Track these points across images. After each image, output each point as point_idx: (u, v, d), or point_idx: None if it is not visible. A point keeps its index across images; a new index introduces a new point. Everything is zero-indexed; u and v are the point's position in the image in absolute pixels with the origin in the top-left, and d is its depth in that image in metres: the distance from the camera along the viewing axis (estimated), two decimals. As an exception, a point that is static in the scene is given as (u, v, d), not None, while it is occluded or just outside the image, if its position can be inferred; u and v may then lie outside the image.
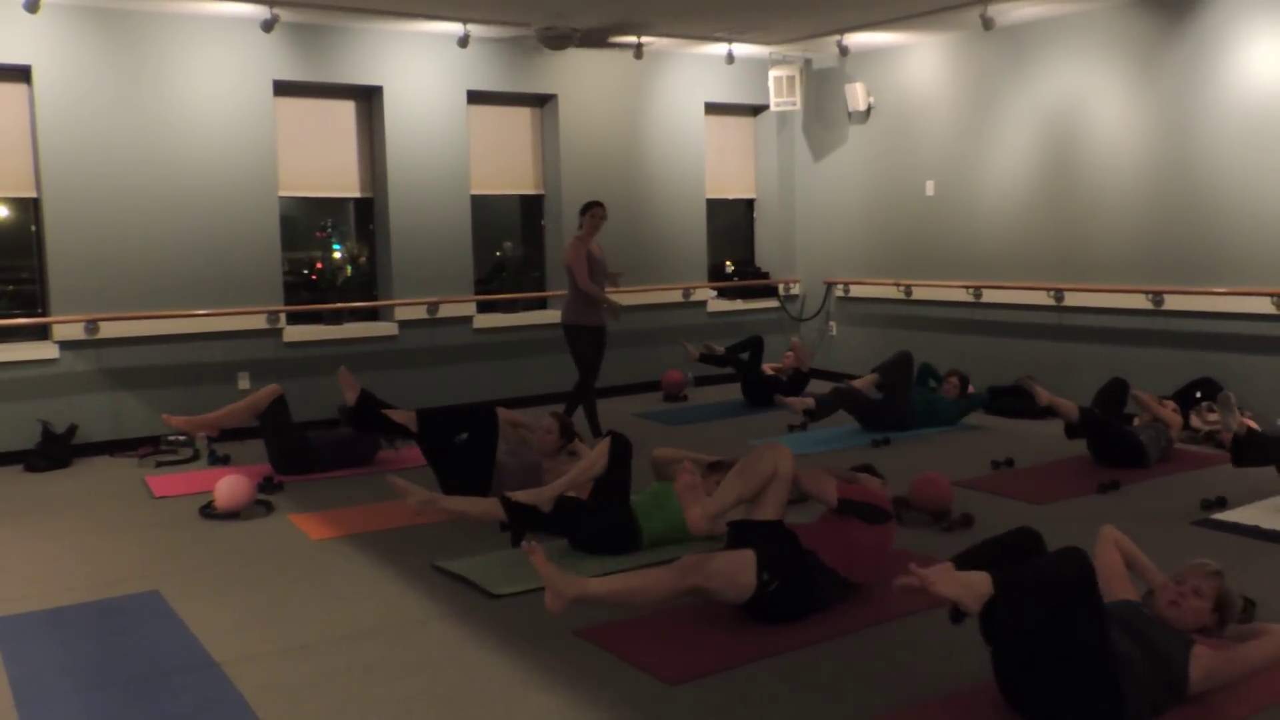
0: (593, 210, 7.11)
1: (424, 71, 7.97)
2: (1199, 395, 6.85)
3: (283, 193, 7.65)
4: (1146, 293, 7.26)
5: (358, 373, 7.74)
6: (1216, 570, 3.26)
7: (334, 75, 7.66)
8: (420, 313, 8.08)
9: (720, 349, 8.62)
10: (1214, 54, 6.86)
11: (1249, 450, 5.15)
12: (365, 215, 8.24)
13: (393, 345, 8.01)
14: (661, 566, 3.70)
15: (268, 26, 7.05)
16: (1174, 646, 3.00)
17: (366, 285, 8.32)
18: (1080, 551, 2.78)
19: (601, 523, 4.62)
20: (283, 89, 7.57)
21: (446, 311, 8.18)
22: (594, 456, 4.64)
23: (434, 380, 8.13)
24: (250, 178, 7.39)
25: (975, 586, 2.72)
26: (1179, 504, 5.26)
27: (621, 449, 4.62)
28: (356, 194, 8.07)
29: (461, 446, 5.46)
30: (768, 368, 8.62)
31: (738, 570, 3.63)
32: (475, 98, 8.31)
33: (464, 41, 7.75)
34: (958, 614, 2.84)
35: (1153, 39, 7.18)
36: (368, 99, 8.00)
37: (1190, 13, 6.96)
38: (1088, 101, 7.61)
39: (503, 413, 5.94)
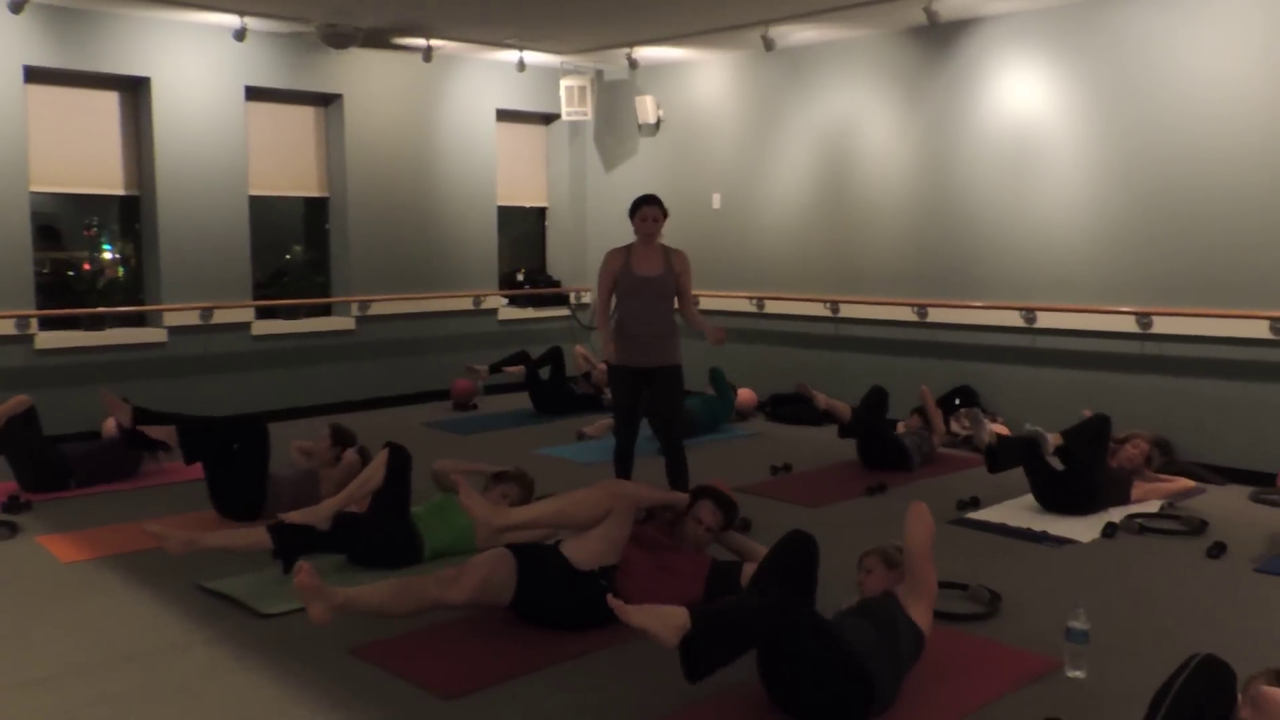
0: (640, 210, 5.17)
1: (197, 64, 7.56)
2: (958, 402, 7.33)
3: (35, 188, 7.07)
4: (912, 305, 7.71)
5: (123, 382, 7.30)
6: (867, 551, 3.66)
7: (95, 64, 7.15)
8: (193, 318, 7.64)
9: (483, 368, 8.54)
10: (971, 83, 7.37)
11: (1001, 457, 5.57)
12: (132, 214, 7.73)
13: (161, 353, 7.55)
14: (423, 575, 3.68)
15: (16, 7, 6.50)
16: (888, 606, 3.33)
17: (133, 288, 7.80)
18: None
19: (382, 535, 4.51)
20: (36, 76, 7.01)
21: (221, 317, 7.77)
22: (371, 469, 4.56)
23: (209, 389, 7.70)
24: (-3, 170, 6.80)
25: (671, 619, 2.78)
26: (937, 504, 5.55)
27: (400, 460, 4.56)
28: (121, 191, 7.56)
29: (233, 457, 5.21)
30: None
31: (499, 585, 3.67)
32: (254, 94, 7.95)
33: (240, 35, 7.39)
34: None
35: (917, 67, 7.65)
36: (133, 90, 7.51)
37: (951, 44, 7.45)
38: (860, 123, 8.02)
39: (298, 444, 5.79)
